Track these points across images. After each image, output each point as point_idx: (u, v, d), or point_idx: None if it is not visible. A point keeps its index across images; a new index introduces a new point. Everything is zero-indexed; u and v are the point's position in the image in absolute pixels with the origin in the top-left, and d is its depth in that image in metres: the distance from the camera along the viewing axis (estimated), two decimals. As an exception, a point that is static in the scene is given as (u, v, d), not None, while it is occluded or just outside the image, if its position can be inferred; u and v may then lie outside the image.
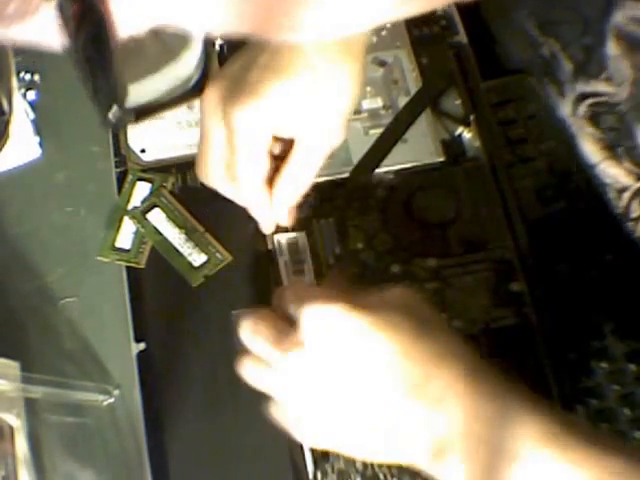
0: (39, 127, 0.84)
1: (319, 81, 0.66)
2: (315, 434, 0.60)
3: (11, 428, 0.68)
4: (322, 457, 0.68)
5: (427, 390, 0.55)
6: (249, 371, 0.62)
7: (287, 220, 0.72)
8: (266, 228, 0.74)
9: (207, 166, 0.70)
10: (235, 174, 0.68)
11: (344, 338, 0.57)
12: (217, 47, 0.85)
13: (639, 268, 0.75)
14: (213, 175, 0.70)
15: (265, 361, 0.60)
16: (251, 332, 0.61)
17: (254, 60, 0.66)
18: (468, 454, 0.54)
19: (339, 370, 0.57)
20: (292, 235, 0.75)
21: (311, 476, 0.68)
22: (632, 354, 0.72)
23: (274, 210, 0.71)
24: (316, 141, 0.68)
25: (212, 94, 0.67)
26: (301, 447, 0.68)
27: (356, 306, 0.57)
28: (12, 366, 0.71)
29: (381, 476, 0.67)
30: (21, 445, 0.68)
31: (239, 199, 0.71)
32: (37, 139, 0.83)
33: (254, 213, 0.72)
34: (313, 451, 0.68)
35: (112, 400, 0.72)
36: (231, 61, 0.69)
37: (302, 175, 0.70)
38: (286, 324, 0.60)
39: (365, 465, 0.67)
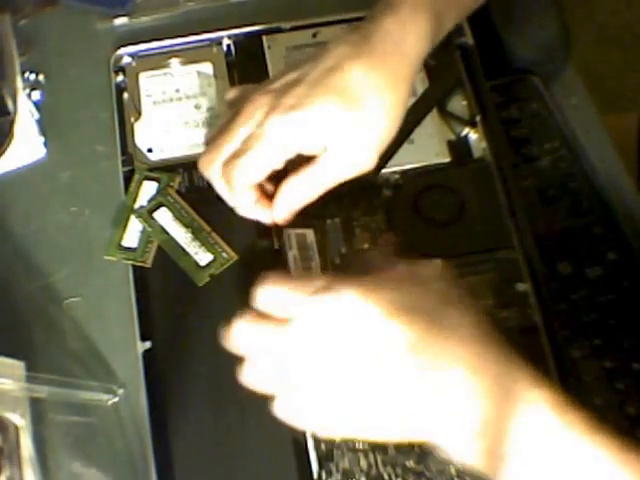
0: (44, 127, 0.84)
1: (363, 106, 0.69)
2: (331, 417, 0.60)
3: (16, 428, 0.69)
4: (327, 456, 0.68)
5: (435, 377, 0.56)
6: (252, 336, 0.61)
7: (284, 220, 0.73)
8: (265, 220, 0.74)
9: (218, 157, 0.71)
10: (238, 162, 0.70)
11: (356, 325, 0.58)
12: (224, 47, 0.86)
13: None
14: (217, 168, 0.72)
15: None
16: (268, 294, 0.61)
17: (306, 74, 0.69)
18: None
19: (356, 356, 0.58)
20: (300, 231, 0.75)
21: (315, 476, 0.67)
22: (634, 352, 0.72)
23: (276, 208, 0.72)
24: (343, 161, 0.70)
25: (259, 98, 0.70)
26: (305, 446, 0.68)
27: (374, 289, 0.59)
28: (17, 366, 0.71)
29: (385, 476, 0.67)
30: (26, 444, 0.69)
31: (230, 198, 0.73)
32: (42, 139, 0.83)
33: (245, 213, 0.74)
34: (318, 450, 0.68)
35: (117, 399, 0.72)
36: (282, 72, 0.72)
37: (316, 186, 0.71)
38: None
39: (370, 464, 0.67)
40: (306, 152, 0.70)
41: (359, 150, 0.70)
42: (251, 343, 0.61)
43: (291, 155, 0.70)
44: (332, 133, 0.69)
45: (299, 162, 0.71)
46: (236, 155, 0.70)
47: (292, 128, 0.68)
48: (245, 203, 0.72)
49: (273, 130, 0.68)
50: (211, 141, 0.73)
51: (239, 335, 0.61)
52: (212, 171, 0.72)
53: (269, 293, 0.61)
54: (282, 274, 0.63)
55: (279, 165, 0.70)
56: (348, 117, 0.68)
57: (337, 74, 0.68)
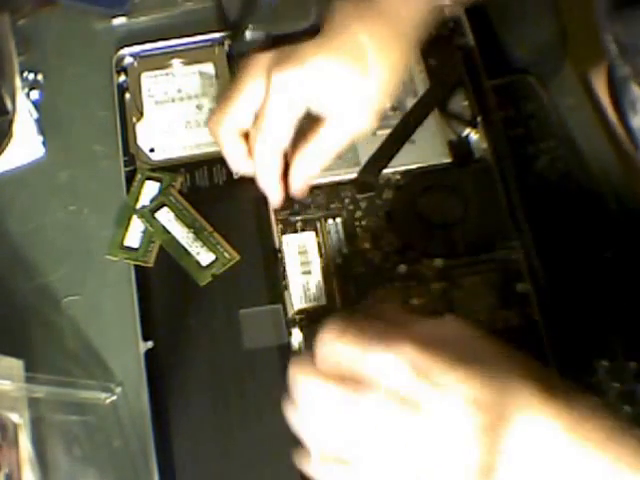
0: (42, 126, 0.84)
1: (364, 64, 0.70)
2: None
3: (15, 427, 0.68)
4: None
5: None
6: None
7: (300, 192, 0.76)
8: (274, 198, 0.76)
9: (226, 115, 0.73)
10: (257, 134, 0.72)
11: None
12: (226, 47, 0.86)
13: (639, 264, 0.76)
14: (227, 125, 0.74)
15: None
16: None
17: (308, 41, 0.71)
18: None
19: None
20: (300, 235, 0.76)
21: (318, 476, 0.67)
22: (632, 352, 0.72)
23: (292, 179, 0.75)
24: (347, 121, 0.72)
25: (261, 57, 0.72)
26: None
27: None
28: (16, 366, 0.71)
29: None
30: (25, 444, 0.68)
31: (242, 162, 0.76)
32: (40, 138, 0.83)
33: (262, 180, 0.75)
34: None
35: (115, 398, 0.72)
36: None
37: (325, 152, 0.74)
38: None
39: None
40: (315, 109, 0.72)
41: (360, 109, 0.72)
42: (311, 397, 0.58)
43: (299, 112, 0.72)
44: (334, 88, 0.71)
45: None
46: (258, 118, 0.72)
47: (298, 81, 0.70)
48: (273, 168, 0.74)
49: (281, 86, 0.70)
50: (220, 102, 0.75)
51: (299, 385, 0.59)
52: (223, 131, 0.75)
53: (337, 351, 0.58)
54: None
55: (292, 126, 0.72)
56: (347, 72, 0.70)
57: (344, 34, 0.71)
